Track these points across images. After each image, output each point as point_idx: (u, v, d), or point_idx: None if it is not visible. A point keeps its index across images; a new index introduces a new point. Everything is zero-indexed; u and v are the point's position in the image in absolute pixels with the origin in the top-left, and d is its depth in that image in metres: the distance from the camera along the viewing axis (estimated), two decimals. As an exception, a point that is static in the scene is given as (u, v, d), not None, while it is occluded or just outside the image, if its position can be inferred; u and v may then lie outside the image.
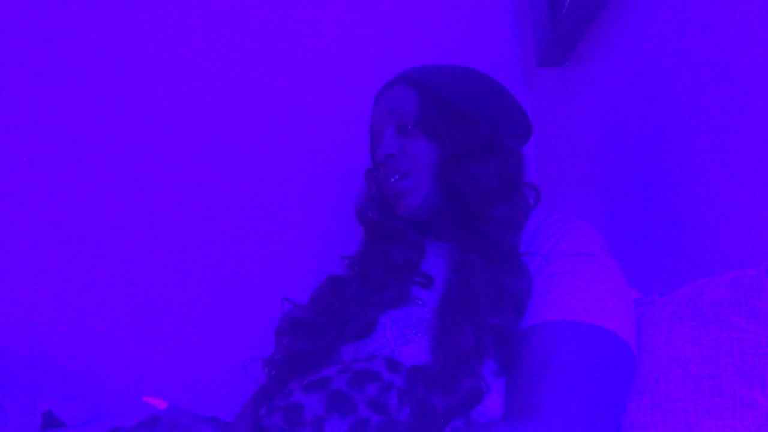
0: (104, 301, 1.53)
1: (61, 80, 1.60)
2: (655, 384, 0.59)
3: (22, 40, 1.61)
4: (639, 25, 0.94)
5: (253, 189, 1.60)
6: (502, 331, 0.64)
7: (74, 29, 1.62)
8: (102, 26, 1.63)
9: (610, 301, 0.64)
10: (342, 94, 1.60)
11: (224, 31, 1.64)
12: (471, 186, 0.74)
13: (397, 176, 0.79)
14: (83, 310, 1.52)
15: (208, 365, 1.51)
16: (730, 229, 0.69)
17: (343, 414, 0.60)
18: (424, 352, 0.67)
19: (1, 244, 1.54)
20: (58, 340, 1.50)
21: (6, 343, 1.49)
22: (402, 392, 0.60)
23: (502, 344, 0.63)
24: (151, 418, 0.95)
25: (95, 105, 1.60)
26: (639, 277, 0.87)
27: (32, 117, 1.59)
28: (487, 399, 0.62)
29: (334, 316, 0.78)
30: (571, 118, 1.31)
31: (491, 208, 0.72)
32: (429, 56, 1.55)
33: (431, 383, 0.61)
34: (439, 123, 0.78)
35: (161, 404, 0.57)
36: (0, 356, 1.47)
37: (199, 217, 1.58)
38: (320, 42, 1.64)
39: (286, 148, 1.61)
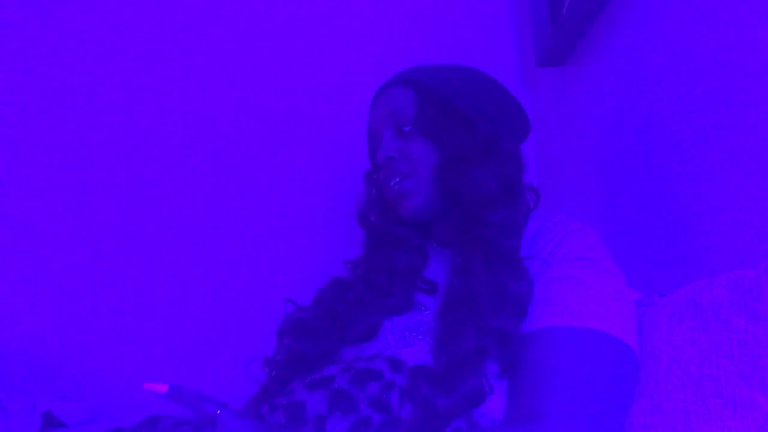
0: (105, 302, 1.53)
1: (61, 80, 1.60)
2: (655, 385, 0.60)
3: (22, 40, 1.60)
4: (639, 25, 0.94)
5: (255, 189, 1.60)
6: (504, 333, 0.64)
7: (73, 28, 1.62)
8: (101, 25, 1.62)
9: (613, 306, 0.64)
10: (342, 94, 1.60)
11: (224, 31, 1.64)
12: (470, 189, 0.73)
13: (397, 179, 0.79)
14: (83, 309, 1.52)
15: (209, 366, 1.51)
16: (730, 230, 0.69)
17: (345, 412, 0.60)
18: (425, 355, 0.67)
19: (1, 244, 1.54)
20: (58, 340, 1.50)
21: (6, 343, 1.49)
22: (404, 391, 0.61)
23: (503, 346, 0.63)
24: (150, 419, 0.95)
25: (97, 105, 1.60)
26: (639, 278, 0.88)
27: (32, 117, 1.59)
28: (488, 400, 0.62)
29: (336, 319, 0.78)
30: (571, 118, 1.31)
31: (490, 211, 0.72)
32: (429, 56, 1.54)
33: (434, 382, 0.61)
34: (437, 124, 0.78)
35: (162, 388, 0.57)
36: (0, 356, 1.47)
37: (201, 217, 1.58)
38: (320, 42, 1.64)
39: (289, 148, 1.61)
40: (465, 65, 0.88)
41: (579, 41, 1.23)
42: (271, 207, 1.60)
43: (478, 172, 0.74)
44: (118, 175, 1.58)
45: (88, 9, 1.63)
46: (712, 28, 0.72)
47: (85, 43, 1.62)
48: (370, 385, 0.61)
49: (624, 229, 1.00)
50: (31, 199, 1.56)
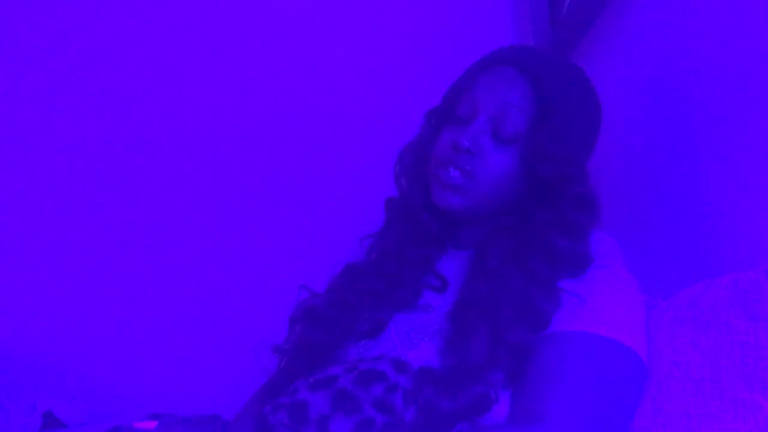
0: (105, 299, 1.53)
1: (61, 80, 1.60)
2: (657, 387, 0.60)
3: (22, 39, 1.60)
4: (639, 25, 0.94)
5: (272, 175, 1.59)
6: (517, 347, 0.63)
7: (73, 28, 1.61)
8: (102, 25, 1.62)
9: (624, 314, 0.64)
10: (344, 92, 1.60)
11: (225, 31, 1.64)
12: (550, 220, 0.70)
13: (458, 172, 0.72)
14: (83, 309, 1.52)
15: (210, 363, 1.51)
16: (730, 232, 0.69)
17: (348, 413, 0.60)
18: (430, 357, 0.67)
19: (1, 244, 1.54)
20: (58, 340, 1.50)
21: (6, 343, 1.49)
22: (408, 393, 0.61)
23: (514, 359, 0.63)
24: (151, 417, 0.96)
25: (101, 105, 1.60)
26: (639, 280, 0.88)
27: (32, 116, 1.59)
28: (493, 407, 0.62)
29: (347, 309, 0.78)
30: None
31: (557, 237, 0.69)
32: (428, 56, 1.54)
33: (439, 386, 0.61)
34: (540, 151, 0.71)
35: (150, 425, 0.58)
36: (0, 356, 1.47)
37: (214, 205, 1.57)
38: (320, 40, 1.64)
39: (303, 137, 1.60)
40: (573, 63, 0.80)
41: (579, 41, 1.24)
42: (287, 194, 1.59)
43: (558, 205, 0.71)
44: (122, 171, 1.58)
45: (90, 9, 1.62)
46: (712, 28, 0.72)
47: (88, 44, 1.61)
48: (374, 386, 0.61)
49: (624, 231, 1.01)
50: (31, 200, 1.56)
